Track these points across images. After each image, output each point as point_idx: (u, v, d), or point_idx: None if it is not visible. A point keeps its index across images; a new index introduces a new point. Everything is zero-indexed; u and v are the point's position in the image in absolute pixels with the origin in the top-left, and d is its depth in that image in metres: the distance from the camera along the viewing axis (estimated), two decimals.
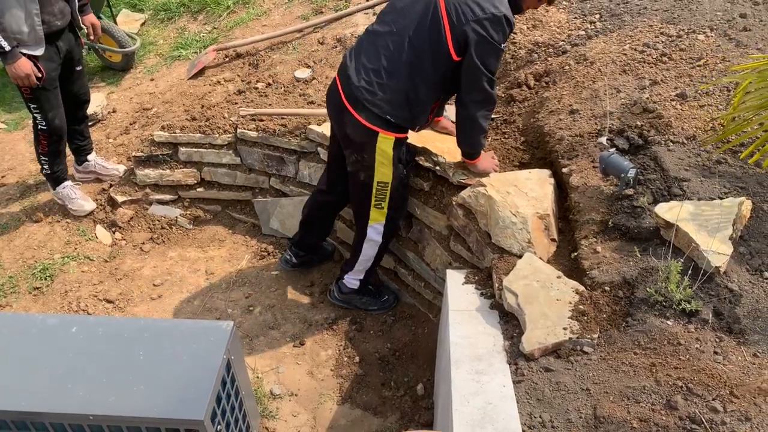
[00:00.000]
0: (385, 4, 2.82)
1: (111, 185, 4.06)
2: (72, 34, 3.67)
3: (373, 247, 3.08)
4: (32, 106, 3.57)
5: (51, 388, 1.95)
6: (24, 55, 3.33)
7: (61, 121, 3.69)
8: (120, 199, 3.99)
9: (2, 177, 4.37)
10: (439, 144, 3.00)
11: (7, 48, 3.27)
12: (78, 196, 3.94)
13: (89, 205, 3.97)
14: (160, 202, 4.02)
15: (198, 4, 5.75)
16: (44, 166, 3.83)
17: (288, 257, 3.58)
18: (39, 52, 3.46)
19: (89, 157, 4.10)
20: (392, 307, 3.41)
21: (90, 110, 4.74)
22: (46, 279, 3.57)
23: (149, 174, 3.94)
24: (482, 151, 2.82)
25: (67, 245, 3.78)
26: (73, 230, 3.87)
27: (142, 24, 6.01)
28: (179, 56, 5.22)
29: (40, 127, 3.64)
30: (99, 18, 5.21)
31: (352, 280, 3.27)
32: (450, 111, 3.14)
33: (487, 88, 2.60)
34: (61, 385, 1.96)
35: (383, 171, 2.81)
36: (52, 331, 2.15)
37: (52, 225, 3.89)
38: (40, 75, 3.42)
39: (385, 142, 2.73)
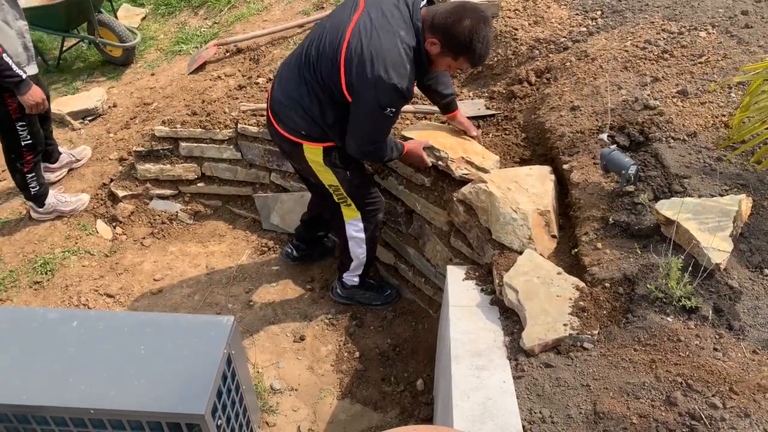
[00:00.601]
0: None
1: (112, 180, 4.06)
2: None
3: (359, 244, 3.06)
4: (19, 124, 3.48)
5: (52, 382, 1.96)
6: None
7: (41, 131, 3.68)
8: (121, 193, 3.99)
9: (2, 171, 4.37)
10: (442, 140, 2.99)
11: (23, 76, 3.22)
12: (68, 197, 3.92)
13: (85, 196, 3.97)
14: (161, 197, 4.02)
15: None
16: (31, 185, 3.74)
17: (289, 250, 3.58)
18: (34, 70, 3.44)
19: (60, 149, 4.13)
20: (395, 301, 3.41)
21: (90, 105, 4.77)
22: (46, 273, 3.57)
23: (150, 169, 3.94)
24: (403, 148, 2.79)
25: (67, 240, 3.78)
26: (74, 225, 3.87)
27: (143, 18, 6.01)
28: (180, 51, 5.22)
29: (24, 143, 3.56)
30: (99, 12, 5.23)
31: (351, 277, 3.27)
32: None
33: (363, 145, 2.62)
34: (62, 379, 1.96)
35: (325, 176, 2.81)
36: (53, 326, 2.15)
37: (52, 220, 3.89)
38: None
39: (312, 152, 2.73)
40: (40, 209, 3.85)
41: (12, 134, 3.53)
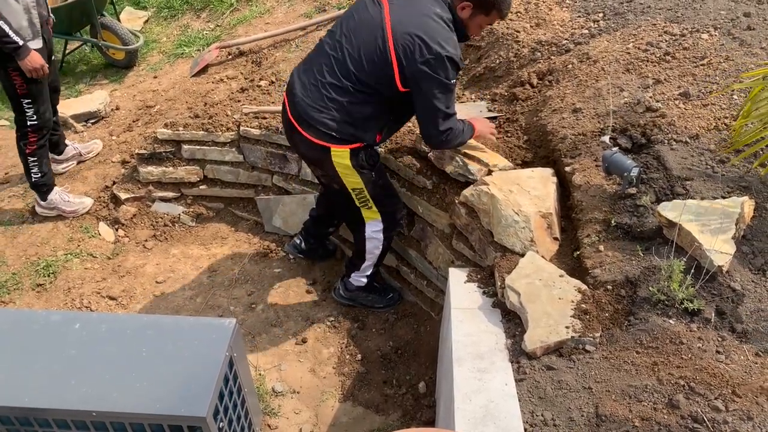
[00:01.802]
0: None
1: (114, 182, 4.07)
2: (48, 25, 3.71)
3: (377, 246, 3.07)
4: (25, 101, 3.56)
5: (54, 384, 1.96)
6: None
7: (50, 114, 3.74)
8: (123, 196, 3.99)
9: (6, 174, 4.38)
10: None
11: (20, 42, 3.30)
12: (72, 197, 3.95)
13: (88, 200, 3.98)
14: (163, 200, 4.03)
15: (201, 1, 5.75)
16: (33, 171, 3.77)
17: (298, 242, 3.53)
18: (38, 45, 3.49)
19: (67, 141, 4.18)
20: (397, 304, 3.41)
21: (93, 108, 4.78)
22: (49, 276, 3.58)
23: (152, 171, 3.95)
24: (471, 128, 2.82)
25: (70, 242, 3.79)
26: (76, 227, 3.88)
27: (146, 21, 6.02)
28: (182, 54, 5.23)
29: (29, 123, 3.63)
30: (102, 15, 5.24)
31: (359, 278, 3.27)
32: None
33: (441, 125, 2.64)
34: (64, 382, 1.96)
35: (351, 180, 2.82)
36: (55, 328, 2.15)
37: (55, 222, 3.89)
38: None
39: (340, 155, 2.73)
40: (43, 203, 3.88)
41: (20, 111, 3.61)
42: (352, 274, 3.27)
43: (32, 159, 3.75)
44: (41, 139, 3.73)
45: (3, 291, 3.49)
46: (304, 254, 3.58)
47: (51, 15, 3.79)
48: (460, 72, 3.15)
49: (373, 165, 2.84)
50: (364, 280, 3.26)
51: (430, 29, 2.49)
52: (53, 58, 3.86)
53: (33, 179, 3.80)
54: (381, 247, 3.08)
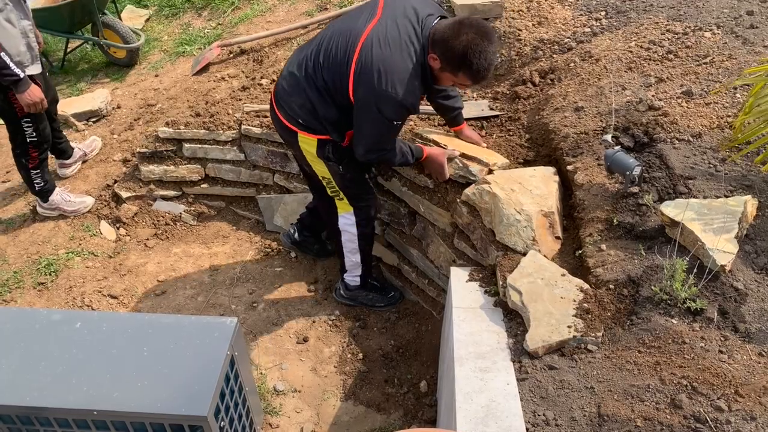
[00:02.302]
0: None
1: (116, 181, 4.07)
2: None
3: (351, 239, 3.07)
4: (25, 120, 3.52)
5: (55, 383, 1.96)
6: None
7: (48, 129, 3.71)
8: (124, 195, 3.99)
9: (7, 172, 4.38)
10: (454, 144, 2.98)
11: (21, 75, 3.24)
12: (72, 197, 3.94)
13: (89, 199, 3.98)
14: (165, 198, 4.02)
15: (202, 0, 5.75)
16: (36, 182, 3.78)
17: (291, 232, 3.54)
18: (37, 69, 3.47)
19: (73, 144, 4.17)
20: (398, 302, 3.41)
21: (95, 106, 4.78)
22: (50, 274, 3.57)
23: (153, 170, 3.94)
24: (422, 153, 2.80)
25: (71, 241, 3.79)
26: (78, 226, 3.88)
27: (147, 20, 6.01)
28: (183, 52, 5.23)
29: (29, 140, 3.61)
30: (104, 14, 5.24)
31: (352, 278, 3.27)
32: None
33: (362, 151, 2.66)
34: (66, 381, 1.96)
35: (319, 168, 2.85)
36: (57, 327, 2.15)
37: (56, 221, 3.89)
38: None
39: (307, 142, 2.76)
40: (45, 204, 3.89)
41: (18, 131, 3.58)
42: (345, 276, 3.28)
43: (35, 172, 3.76)
44: (42, 153, 3.73)
45: (4, 289, 3.49)
46: (297, 245, 3.58)
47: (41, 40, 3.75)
48: (417, 116, 3.17)
49: (341, 159, 2.82)
50: (358, 279, 3.27)
51: (392, 66, 2.42)
52: (47, 73, 3.82)
53: (36, 189, 3.81)
54: (356, 242, 3.08)
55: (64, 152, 4.10)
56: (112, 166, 4.18)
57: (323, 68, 2.59)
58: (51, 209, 3.90)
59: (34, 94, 3.32)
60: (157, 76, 5.13)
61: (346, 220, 3.03)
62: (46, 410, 1.91)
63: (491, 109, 3.33)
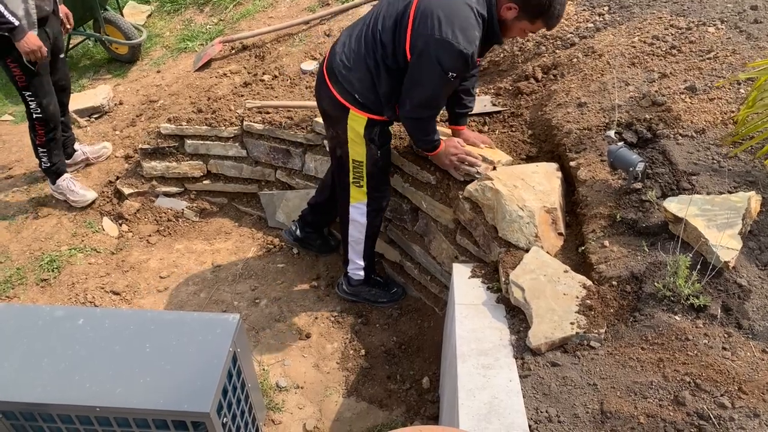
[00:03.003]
0: None
1: (118, 177, 4.07)
2: (57, 21, 3.72)
3: (359, 230, 3.07)
4: (27, 93, 3.60)
5: (58, 379, 1.96)
6: None
7: (55, 108, 3.74)
8: (127, 191, 3.99)
9: (10, 169, 4.39)
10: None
11: (16, 23, 3.30)
12: (78, 187, 3.97)
13: (91, 194, 4.00)
14: (167, 195, 4.02)
15: None
16: (43, 160, 3.86)
17: (293, 228, 3.54)
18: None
19: (75, 146, 4.17)
20: (401, 298, 3.41)
21: (97, 102, 4.78)
22: (53, 271, 3.58)
23: (156, 166, 3.94)
24: (438, 144, 2.79)
25: (74, 237, 3.79)
26: (80, 222, 3.88)
27: (149, 16, 6.01)
28: (185, 48, 5.22)
29: (35, 115, 3.68)
30: (105, 10, 5.23)
31: (355, 271, 3.27)
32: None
33: (412, 107, 2.62)
34: (69, 377, 1.96)
35: (356, 149, 2.82)
36: (59, 323, 2.15)
37: (59, 217, 3.90)
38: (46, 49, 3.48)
39: (357, 121, 2.74)
40: (52, 186, 4.00)
41: (25, 104, 3.68)
42: (349, 269, 3.27)
43: (42, 150, 3.84)
44: (50, 132, 3.76)
45: (7, 286, 3.50)
46: (299, 242, 3.58)
47: (66, 16, 3.81)
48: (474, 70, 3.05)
49: (383, 144, 2.84)
50: (361, 273, 3.26)
51: (452, 13, 2.39)
52: (61, 56, 3.85)
53: (42, 167, 3.92)
54: (364, 232, 3.07)
55: (63, 148, 4.06)
56: (114, 162, 4.18)
57: (382, 32, 2.57)
58: (58, 192, 3.99)
59: (31, 41, 3.36)
60: (159, 72, 5.13)
61: (358, 210, 3.01)
62: (49, 407, 1.91)
63: (494, 104, 3.32)
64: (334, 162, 3.00)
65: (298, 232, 3.53)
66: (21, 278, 3.54)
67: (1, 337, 2.12)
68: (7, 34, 3.30)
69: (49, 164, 3.87)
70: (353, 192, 2.96)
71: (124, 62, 5.48)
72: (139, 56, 5.45)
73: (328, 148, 2.98)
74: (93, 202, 3.99)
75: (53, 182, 3.95)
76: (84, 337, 2.10)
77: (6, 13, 3.25)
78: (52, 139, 3.80)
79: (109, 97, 4.87)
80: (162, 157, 3.94)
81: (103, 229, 3.88)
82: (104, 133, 4.55)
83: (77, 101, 4.81)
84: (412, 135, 2.86)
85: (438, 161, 2.87)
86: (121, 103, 4.87)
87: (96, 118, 4.78)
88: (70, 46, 5.59)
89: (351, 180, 2.92)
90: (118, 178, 4.07)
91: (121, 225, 3.94)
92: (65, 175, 3.95)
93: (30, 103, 3.63)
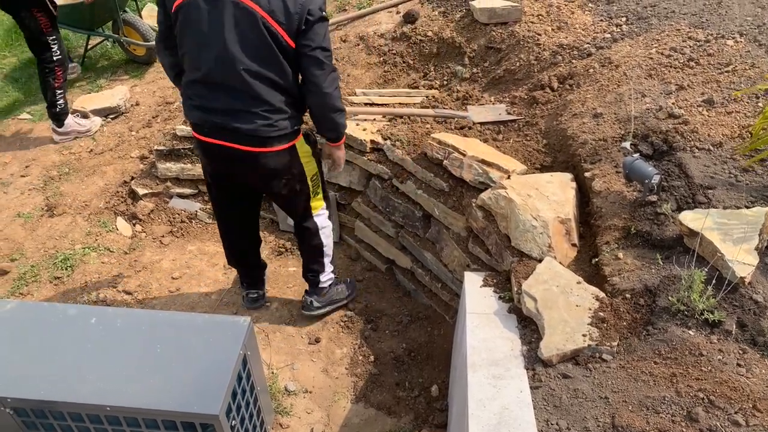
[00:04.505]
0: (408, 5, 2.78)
1: (133, 178, 4.10)
2: None
3: (328, 233, 3.10)
4: (51, 38, 4.16)
5: (70, 377, 1.97)
6: None
7: (66, 50, 4.40)
8: (141, 191, 4.02)
9: (26, 167, 4.43)
10: (473, 146, 2.97)
11: None
12: (82, 120, 4.61)
13: (97, 120, 4.68)
14: (181, 196, 4.05)
15: None
16: (59, 102, 4.41)
17: (254, 296, 3.38)
18: None
19: (70, 117, 4.66)
20: (355, 288, 3.45)
21: (113, 103, 4.84)
22: (66, 269, 3.61)
23: (170, 168, 3.97)
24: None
25: (88, 236, 3.82)
26: (95, 221, 3.91)
27: None
28: None
29: (55, 58, 4.25)
30: (124, 11, 5.29)
31: (329, 274, 3.24)
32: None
33: (326, 60, 2.52)
34: (80, 376, 1.98)
35: (311, 166, 2.84)
36: (72, 322, 2.17)
37: (74, 216, 3.93)
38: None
39: (301, 144, 2.74)
40: (60, 129, 4.53)
41: (45, 49, 4.20)
42: (321, 277, 3.20)
43: (59, 92, 4.38)
44: (64, 73, 4.38)
45: (21, 283, 3.53)
46: (264, 298, 3.45)
47: None
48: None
49: (315, 142, 2.89)
50: (332, 274, 3.27)
51: None
52: None
53: (58, 109, 4.43)
54: (331, 234, 3.12)
55: (57, 117, 4.57)
56: (129, 162, 4.21)
57: (259, 57, 2.43)
58: (66, 134, 4.56)
59: None
60: None
61: (321, 216, 3.04)
62: (60, 404, 1.93)
63: (508, 113, 3.32)
64: (291, 199, 2.89)
65: (262, 292, 3.43)
66: (35, 275, 3.57)
67: (14, 335, 2.14)
68: None
69: (63, 104, 4.41)
70: (315, 203, 2.97)
71: (141, 63, 5.53)
72: (157, 58, 5.49)
73: (281, 196, 2.87)
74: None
75: (62, 124, 4.49)
76: (96, 336, 2.12)
77: None
78: (66, 78, 4.41)
79: (126, 98, 4.92)
80: (177, 159, 3.97)
81: (117, 229, 3.91)
82: (120, 133, 4.59)
83: (94, 101, 4.87)
84: (331, 120, 2.71)
85: (341, 151, 2.91)
86: (137, 104, 4.91)
87: (112, 119, 4.82)
88: (89, 47, 5.66)
89: (312, 194, 2.93)
90: (133, 178, 4.10)
91: (134, 225, 3.97)
92: (69, 115, 4.53)
93: (52, 46, 4.16)
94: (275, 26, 2.40)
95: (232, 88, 2.49)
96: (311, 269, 3.20)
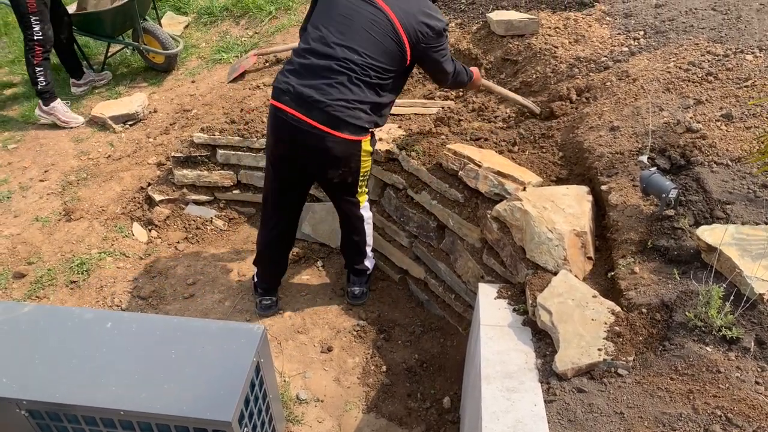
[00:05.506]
0: None
1: (149, 184, 4.14)
2: None
3: (370, 222, 3.27)
4: (34, 18, 4.47)
5: (84, 381, 1.99)
6: None
7: (51, 33, 4.65)
8: (157, 197, 4.05)
9: (45, 172, 4.49)
10: (488, 157, 2.97)
11: None
12: (68, 110, 4.89)
13: (80, 119, 4.89)
14: (197, 203, 4.08)
15: (240, 9, 5.84)
16: (39, 80, 4.67)
17: (267, 303, 3.42)
18: None
19: (84, 70, 5.29)
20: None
21: (132, 109, 4.90)
22: (82, 273, 3.64)
23: (187, 174, 4.00)
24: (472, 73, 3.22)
25: (104, 241, 3.86)
26: (111, 226, 3.95)
27: (186, 27, 6.13)
28: (220, 59, 5.31)
29: (36, 37, 4.53)
30: (144, 20, 5.36)
31: (371, 258, 3.43)
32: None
33: (451, 66, 3.01)
34: (95, 379, 1.99)
35: (366, 164, 2.98)
36: (88, 326, 2.19)
37: (90, 221, 3.97)
38: None
39: (366, 143, 2.89)
40: (45, 107, 4.83)
41: (28, 27, 4.51)
42: (366, 263, 3.40)
43: (39, 69, 4.65)
44: (45, 53, 4.64)
45: (38, 286, 3.57)
46: (277, 305, 3.47)
47: None
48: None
49: (374, 142, 3.04)
50: (373, 259, 3.46)
51: (424, 5, 2.83)
52: None
53: (39, 87, 4.71)
54: (371, 222, 3.29)
55: (75, 70, 5.21)
56: (146, 168, 4.25)
57: (365, 56, 2.70)
58: (47, 114, 4.85)
59: None
60: (193, 82, 5.22)
61: (366, 208, 3.21)
62: (74, 407, 1.94)
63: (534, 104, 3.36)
64: (342, 190, 3.08)
65: (275, 298, 3.46)
66: (51, 279, 3.61)
67: (30, 337, 2.16)
68: None
69: (44, 83, 4.67)
70: (361, 197, 3.15)
71: (160, 71, 5.60)
72: (175, 66, 5.56)
73: (333, 185, 3.01)
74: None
75: (47, 104, 4.77)
76: (111, 340, 2.13)
77: None
78: (47, 59, 4.64)
79: (144, 105, 4.97)
80: (193, 166, 4.00)
81: (133, 235, 3.95)
82: (138, 140, 4.64)
83: (113, 108, 4.93)
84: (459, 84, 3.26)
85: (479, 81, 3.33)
86: (155, 111, 4.96)
87: (130, 125, 4.88)
88: (109, 54, 5.74)
89: (360, 190, 3.10)
90: (149, 184, 4.14)
91: (150, 231, 4.00)
92: (58, 100, 4.83)
93: (34, 26, 4.47)
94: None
95: (336, 71, 2.70)
96: (354, 259, 3.39)
